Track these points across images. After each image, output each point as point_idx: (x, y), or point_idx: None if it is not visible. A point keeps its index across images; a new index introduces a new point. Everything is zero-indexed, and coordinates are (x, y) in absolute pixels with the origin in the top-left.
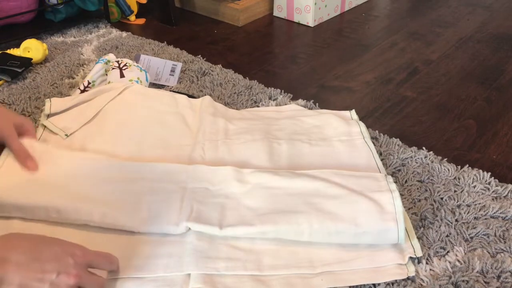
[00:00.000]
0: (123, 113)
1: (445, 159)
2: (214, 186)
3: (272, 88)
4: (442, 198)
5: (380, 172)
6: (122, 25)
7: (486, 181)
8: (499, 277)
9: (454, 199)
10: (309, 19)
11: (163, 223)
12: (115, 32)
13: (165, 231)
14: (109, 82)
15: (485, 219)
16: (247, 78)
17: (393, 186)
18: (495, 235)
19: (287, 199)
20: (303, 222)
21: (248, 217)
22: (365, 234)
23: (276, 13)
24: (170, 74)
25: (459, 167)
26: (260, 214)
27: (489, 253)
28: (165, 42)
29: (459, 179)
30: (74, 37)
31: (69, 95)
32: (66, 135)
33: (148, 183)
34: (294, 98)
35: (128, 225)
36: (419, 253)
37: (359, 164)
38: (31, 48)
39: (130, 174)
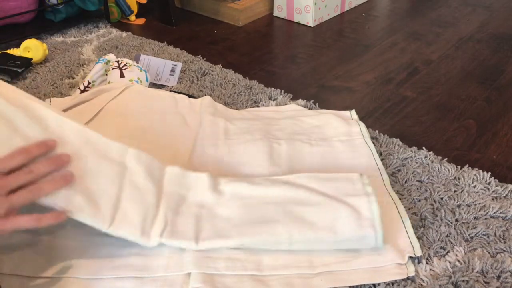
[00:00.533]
0: (123, 113)
1: (445, 159)
2: (188, 191)
3: (272, 88)
4: (442, 198)
5: (380, 172)
6: (122, 25)
7: (486, 181)
8: (499, 277)
9: (454, 199)
10: (309, 19)
11: (132, 227)
12: (115, 32)
13: (133, 239)
14: (109, 82)
15: (485, 219)
16: (247, 78)
17: (369, 189)
18: (495, 235)
19: (263, 208)
20: (282, 232)
21: (224, 229)
22: (345, 241)
23: (276, 13)
24: (170, 74)
25: (459, 167)
26: (236, 225)
27: (489, 253)
28: (165, 42)
29: (459, 179)
30: (74, 37)
31: (69, 95)
32: None
33: (128, 174)
34: (294, 98)
35: (95, 221)
36: (419, 253)
37: (359, 164)
38: (31, 48)
39: (114, 153)
